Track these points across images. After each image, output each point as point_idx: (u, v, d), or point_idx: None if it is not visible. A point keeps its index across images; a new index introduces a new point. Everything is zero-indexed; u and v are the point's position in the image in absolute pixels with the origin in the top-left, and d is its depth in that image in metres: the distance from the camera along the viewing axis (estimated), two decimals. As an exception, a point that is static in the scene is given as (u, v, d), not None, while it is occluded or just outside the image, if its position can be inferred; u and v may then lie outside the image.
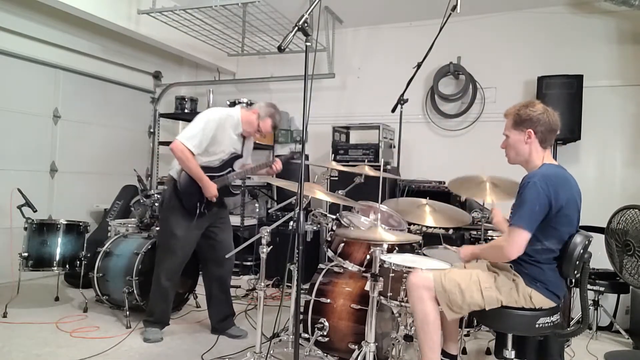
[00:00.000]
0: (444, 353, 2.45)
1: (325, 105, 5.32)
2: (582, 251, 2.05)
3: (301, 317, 2.76)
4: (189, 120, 3.03)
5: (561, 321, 2.19)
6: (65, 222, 3.66)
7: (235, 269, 4.82)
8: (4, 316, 3.36)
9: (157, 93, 5.56)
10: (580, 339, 3.33)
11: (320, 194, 2.76)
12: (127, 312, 3.32)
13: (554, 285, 2.09)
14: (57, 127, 4.77)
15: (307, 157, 5.19)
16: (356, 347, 2.51)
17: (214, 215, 3.13)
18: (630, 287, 3.50)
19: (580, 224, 2.17)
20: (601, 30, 4.37)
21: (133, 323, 3.24)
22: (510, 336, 2.20)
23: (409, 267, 2.32)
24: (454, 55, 4.80)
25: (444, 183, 4.39)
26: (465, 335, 3.07)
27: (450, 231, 3.87)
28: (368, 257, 2.68)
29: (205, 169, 2.95)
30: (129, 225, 4.02)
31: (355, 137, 5.14)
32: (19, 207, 3.64)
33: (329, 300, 2.76)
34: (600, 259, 3.30)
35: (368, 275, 2.25)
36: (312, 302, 2.79)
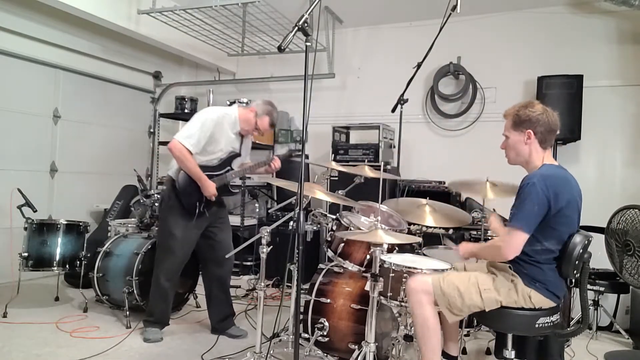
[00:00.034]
0: (444, 354, 2.45)
1: (325, 105, 5.32)
2: (581, 251, 2.05)
3: (301, 317, 2.76)
4: (189, 120, 3.03)
5: (561, 321, 2.19)
6: (65, 222, 3.66)
7: (235, 269, 4.83)
8: (4, 316, 3.36)
9: (157, 93, 5.56)
10: (580, 339, 3.33)
11: (320, 194, 2.77)
12: (127, 312, 3.32)
13: (553, 285, 2.09)
14: (57, 127, 4.77)
15: (307, 157, 5.19)
16: (356, 347, 2.51)
17: (213, 215, 3.13)
18: (630, 287, 3.50)
19: (580, 224, 2.17)
20: (601, 30, 4.37)
21: (133, 323, 3.24)
22: (510, 336, 2.20)
23: (409, 267, 2.32)
24: (454, 55, 4.80)
25: (444, 183, 4.39)
26: (465, 335, 3.07)
27: (450, 231, 3.87)
28: (368, 257, 2.68)
29: (204, 168, 2.95)
30: (129, 225, 4.02)
31: (355, 137, 5.14)
32: (19, 207, 3.64)
33: (329, 300, 2.76)
34: (600, 259, 3.30)
35: (368, 275, 2.26)
36: (312, 302, 2.79)
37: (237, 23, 4.70)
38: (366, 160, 4.45)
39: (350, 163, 4.46)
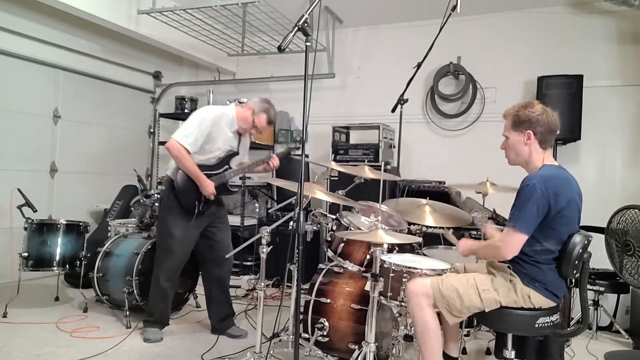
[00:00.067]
0: (444, 355, 2.44)
1: (325, 105, 5.32)
2: (581, 251, 2.05)
3: (301, 317, 2.76)
4: (186, 120, 3.04)
5: (561, 321, 2.19)
6: (65, 222, 3.66)
7: (235, 269, 4.83)
8: (4, 316, 3.36)
9: (157, 93, 5.57)
10: (580, 339, 3.33)
11: (320, 194, 2.77)
12: (127, 312, 3.32)
13: (553, 285, 2.09)
14: (57, 127, 4.77)
15: (306, 157, 5.18)
16: (356, 347, 2.51)
17: (212, 214, 3.13)
18: (630, 287, 3.50)
19: (580, 224, 2.17)
20: (601, 30, 4.37)
21: (133, 323, 3.24)
22: (510, 336, 2.20)
23: (409, 267, 2.32)
24: (454, 55, 4.80)
25: (444, 183, 4.39)
26: (465, 335, 3.07)
27: (450, 231, 3.86)
28: (368, 257, 2.68)
29: (202, 167, 2.96)
30: (129, 225, 4.02)
31: (355, 137, 5.14)
32: (19, 207, 3.64)
33: (329, 300, 2.76)
34: (600, 259, 3.30)
35: (368, 275, 2.26)
36: (312, 302, 2.79)
37: (237, 23, 4.70)
38: (366, 160, 4.44)
39: (350, 163, 4.46)
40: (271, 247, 2.55)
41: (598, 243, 2.94)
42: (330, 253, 2.82)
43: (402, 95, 3.92)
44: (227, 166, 3.07)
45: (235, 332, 3.18)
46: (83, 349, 2.86)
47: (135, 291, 3.32)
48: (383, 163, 2.80)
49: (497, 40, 4.73)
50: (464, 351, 2.97)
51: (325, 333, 2.69)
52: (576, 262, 2.05)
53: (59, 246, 3.60)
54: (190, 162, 2.90)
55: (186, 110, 5.39)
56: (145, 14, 4.38)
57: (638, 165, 4.25)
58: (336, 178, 4.41)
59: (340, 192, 3.23)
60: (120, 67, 5.37)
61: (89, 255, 3.69)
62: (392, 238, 2.26)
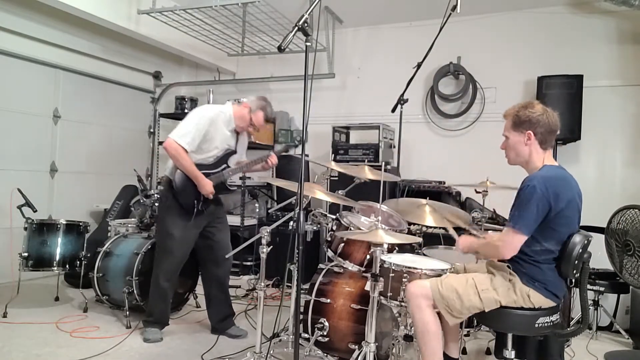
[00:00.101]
0: (444, 355, 2.44)
1: (325, 105, 5.32)
2: (581, 251, 2.05)
3: (301, 317, 2.76)
4: (184, 119, 3.04)
5: (561, 321, 2.19)
6: (65, 222, 3.67)
7: (235, 269, 4.83)
8: (4, 316, 3.36)
9: (157, 93, 5.56)
10: (580, 339, 3.33)
11: (320, 194, 2.77)
12: (127, 312, 3.32)
13: (552, 285, 2.09)
14: (57, 127, 4.77)
15: (306, 157, 5.18)
16: (356, 347, 2.51)
17: (211, 214, 3.13)
18: (630, 287, 3.49)
19: (580, 224, 2.17)
20: (601, 30, 4.37)
21: (133, 323, 3.24)
22: (510, 336, 2.20)
23: (409, 267, 2.33)
24: (454, 55, 4.80)
25: (444, 183, 4.40)
26: (465, 335, 3.07)
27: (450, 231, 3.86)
28: (368, 257, 2.68)
29: (200, 166, 2.96)
30: (129, 225, 4.02)
31: (355, 137, 5.14)
32: (19, 207, 3.64)
33: (329, 300, 2.76)
34: (600, 259, 3.30)
35: (368, 275, 2.26)
36: (312, 302, 2.79)
37: (237, 23, 4.70)
38: (366, 160, 4.45)
39: (350, 163, 4.46)
40: (271, 247, 2.55)
41: (598, 243, 2.94)
42: (330, 253, 2.82)
43: (402, 95, 3.92)
44: (225, 165, 3.07)
45: (235, 332, 3.18)
46: (83, 349, 2.86)
47: (135, 291, 3.32)
48: (383, 163, 2.80)
49: (497, 40, 4.73)
50: (464, 351, 2.97)
51: (325, 333, 2.69)
52: (576, 262, 2.05)
53: (59, 246, 3.60)
54: (188, 162, 2.90)
55: (186, 110, 5.38)
56: (145, 14, 4.38)
57: (638, 165, 4.25)
58: (336, 178, 4.41)
59: (340, 192, 3.23)
60: (120, 67, 5.37)
61: (89, 255, 3.69)
62: (392, 238, 2.26)
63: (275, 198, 5.47)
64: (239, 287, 4.35)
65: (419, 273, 2.31)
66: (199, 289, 3.47)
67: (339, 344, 2.69)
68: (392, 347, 2.56)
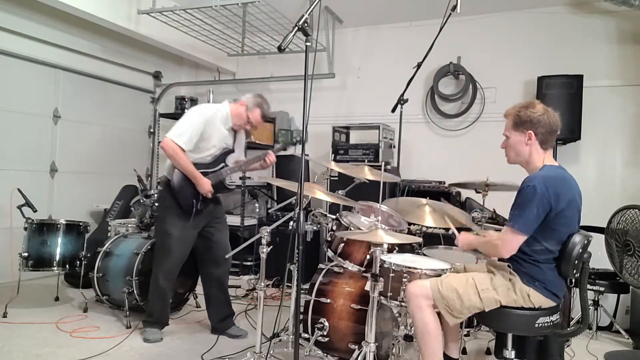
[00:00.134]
0: (444, 355, 2.44)
1: (325, 105, 5.32)
2: (581, 251, 2.05)
3: (301, 317, 2.76)
4: (180, 118, 3.04)
5: (561, 321, 2.19)
6: (65, 222, 3.66)
7: (235, 269, 4.83)
8: (4, 316, 3.36)
9: (157, 93, 5.56)
10: (580, 339, 3.33)
11: (320, 194, 2.77)
12: (127, 312, 3.32)
13: (552, 285, 2.09)
14: (57, 127, 4.77)
15: (306, 156, 5.18)
16: (356, 347, 2.51)
17: (210, 213, 3.13)
18: (630, 287, 3.49)
19: (580, 224, 2.17)
20: (601, 30, 4.37)
21: (133, 323, 3.24)
22: (510, 336, 2.20)
23: (409, 267, 2.33)
24: (454, 55, 4.80)
25: (444, 183, 4.39)
26: (465, 335, 3.07)
27: (450, 231, 3.86)
28: (368, 257, 2.68)
29: (198, 165, 2.96)
30: (129, 225, 4.02)
31: (355, 137, 5.14)
32: (19, 207, 3.64)
33: (329, 300, 2.76)
34: (600, 259, 3.30)
35: (368, 275, 2.26)
36: (312, 302, 2.79)
37: (237, 23, 4.70)
38: (366, 160, 4.45)
39: (350, 163, 4.46)
40: (271, 247, 2.56)
41: (598, 243, 2.94)
42: (330, 253, 2.82)
43: (402, 95, 3.92)
44: (223, 164, 3.07)
45: (235, 332, 3.18)
46: (83, 349, 2.86)
47: (135, 291, 3.32)
48: (383, 163, 2.80)
49: (497, 40, 4.73)
50: (464, 351, 2.97)
51: (325, 333, 2.69)
52: (576, 262, 2.05)
53: (59, 246, 3.60)
54: (186, 161, 2.90)
55: (186, 111, 5.37)
56: (145, 14, 4.38)
57: (638, 165, 4.25)
58: (336, 178, 4.41)
59: (340, 192, 3.23)
60: (120, 67, 5.37)
61: (89, 255, 3.69)
62: (392, 238, 2.26)
63: (275, 198, 5.47)
64: (239, 287, 4.35)
65: (419, 273, 2.31)
66: (199, 289, 3.47)
67: (339, 344, 2.69)
68: (392, 347, 2.56)
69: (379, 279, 2.21)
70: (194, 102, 5.48)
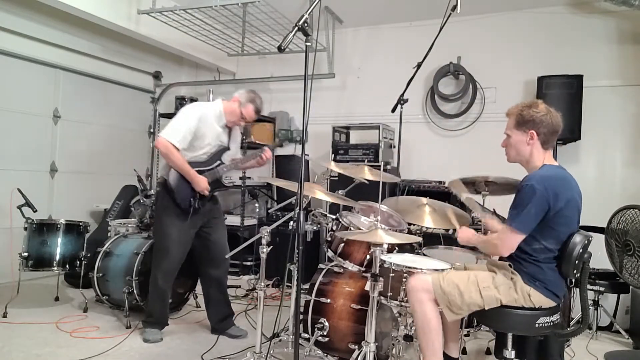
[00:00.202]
0: (444, 355, 2.44)
1: (325, 105, 5.32)
2: (581, 251, 2.06)
3: (301, 317, 2.76)
4: (174, 117, 3.04)
5: (561, 321, 2.19)
6: (65, 222, 3.67)
7: (235, 269, 4.84)
8: (4, 316, 3.36)
9: (157, 93, 5.56)
10: (580, 339, 3.33)
11: (320, 194, 2.77)
12: (127, 312, 3.32)
13: (553, 285, 2.10)
14: (57, 127, 4.77)
15: (306, 156, 5.18)
16: (356, 347, 2.51)
17: (207, 213, 3.12)
18: (630, 287, 3.49)
19: (580, 224, 2.17)
20: (601, 30, 4.37)
21: (133, 323, 3.24)
22: (510, 336, 2.20)
23: (409, 267, 2.33)
24: (454, 55, 4.80)
25: (444, 183, 4.39)
26: (465, 335, 3.07)
27: (450, 231, 3.86)
28: (368, 257, 2.68)
29: (193, 164, 2.96)
30: (129, 225, 4.02)
31: (355, 137, 5.14)
32: (19, 207, 3.64)
33: (329, 300, 2.76)
34: (600, 259, 3.30)
35: (368, 275, 2.26)
36: (312, 302, 2.79)
37: (237, 23, 4.70)
38: (366, 160, 4.45)
39: (350, 163, 4.46)
40: (271, 247, 2.55)
41: (598, 243, 2.94)
42: (330, 253, 2.82)
43: (402, 95, 3.92)
44: (219, 161, 3.08)
45: (235, 332, 3.18)
46: (83, 349, 2.86)
47: (135, 291, 3.32)
48: (383, 163, 2.80)
49: (497, 40, 4.73)
50: (464, 351, 2.97)
51: (325, 333, 2.69)
52: (576, 262, 2.05)
53: (59, 246, 3.60)
54: (180, 159, 2.90)
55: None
56: (145, 14, 4.38)
57: (638, 165, 4.25)
58: (336, 178, 4.41)
59: (340, 192, 3.22)
60: (120, 67, 5.37)
61: (89, 255, 3.69)
62: (392, 238, 2.26)
63: (275, 198, 5.47)
64: (239, 287, 4.36)
65: (419, 272, 2.30)
66: (199, 289, 3.47)
67: (339, 344, 2.69)
68: (392, 347, 2.56)
69: (379, 279, 2.21)
70: (194, 102, 5.46)
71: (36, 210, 3.66)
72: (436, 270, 2.31)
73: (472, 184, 3.06)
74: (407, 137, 4.55)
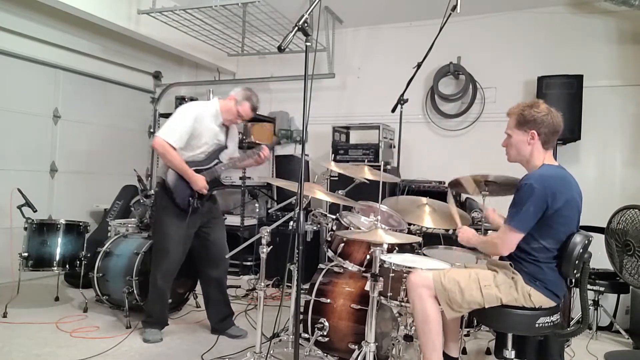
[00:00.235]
0: (444, 355, 2.44)
1: (325, 105, 5.32)
2: (581, 251, 2.06)
3: (301, 317, 2.76)
4: (170, 117, 3.04)
5: (561, 321, 2.19)
6: (65, 222, 3.67)
7: (235, 269, 4.84)
8: (4, 316, 3.36)
9: (157, 93, 5.57)
10: (580, 339, 3.33)
11: (320, 194, 2.76)
12: (127, 312, 3.32)
13: (553, 285, 2.10)
14: (57, 127, 4.77)
15: (307, 156, 5.18)
16: (356, 347, 2.51)
17: (206, 212, 3.12)
18: (630, 287, 3.50)
19: (580, 224, 2.17)
20: (601, 30, 4.37)
21: (133, 323, 3.24)
22: (510, 336, 2.20)
23: (409, 267, 2.33)
24: (454, 55, 4.80)
25: (444, 183, 4.39)
26: (465, 335, 3.07)
27: (450, 231, 3.86)
28: (368, 257, 2.68)
29: (191, 163, 2.96)
30: (129, 225, 4.02)
31: (355, 137, 5.14)
32: (19, 207, 3.64)
33: (329, 300, 2.76)
34: (600, 259, 3.30)
35: (368, 275, 2.26)
36: (312, 302, 2.78)
37: (237, 23, 4.70)
38: (366, 160, 4.45)
39: (350, 163, 4.46)
40: (271, 247, 2.55)
41: (598, 243, 2.94)
42: (330, 253, 2.82)
43: (402, 95, 3.93)
44: (217, 160, 3.08)
45: (235, 332, 3.18)
46: (83, 349, 2.86)
47: (135, 291, 3.32)
48: (383, 163, 2.80)
49: (497, 40, 4.73)
50: (464, 351, 2.97)
51: (325, 333, 2.69)
52: (576, 262, 2.05)
53: (59, 246, 3.60)
54: (177, 159, 2.91)
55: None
56: (145, 14, 4.38)
57: (638, 165, 4.25)
58: (336, 178, 4.40)
59: (340, 192, 3.22)
60: (120, 67, 5.37)
61: (89, 255, 3.69)
62: (392, 238, 2.26)
63: (275, 198, 5.47)
64: (239, 287, 4.36)
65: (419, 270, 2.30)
66: (199, 289, 3.46)
67: (339, 344, 2.69)
68: (392, 347, 2.56)
69: (378, 279, 2.21)
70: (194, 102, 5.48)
71: (36, 210, 3.66)
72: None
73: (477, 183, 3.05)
74: (407, 137, 4.55)
